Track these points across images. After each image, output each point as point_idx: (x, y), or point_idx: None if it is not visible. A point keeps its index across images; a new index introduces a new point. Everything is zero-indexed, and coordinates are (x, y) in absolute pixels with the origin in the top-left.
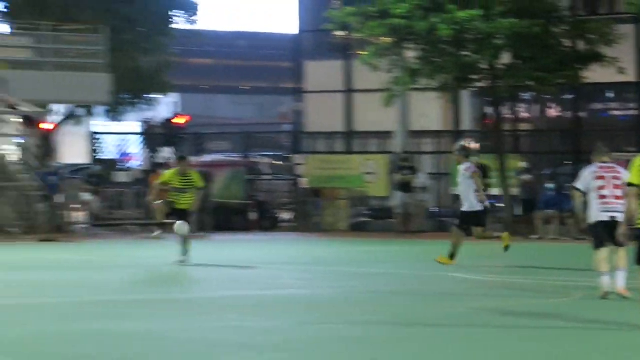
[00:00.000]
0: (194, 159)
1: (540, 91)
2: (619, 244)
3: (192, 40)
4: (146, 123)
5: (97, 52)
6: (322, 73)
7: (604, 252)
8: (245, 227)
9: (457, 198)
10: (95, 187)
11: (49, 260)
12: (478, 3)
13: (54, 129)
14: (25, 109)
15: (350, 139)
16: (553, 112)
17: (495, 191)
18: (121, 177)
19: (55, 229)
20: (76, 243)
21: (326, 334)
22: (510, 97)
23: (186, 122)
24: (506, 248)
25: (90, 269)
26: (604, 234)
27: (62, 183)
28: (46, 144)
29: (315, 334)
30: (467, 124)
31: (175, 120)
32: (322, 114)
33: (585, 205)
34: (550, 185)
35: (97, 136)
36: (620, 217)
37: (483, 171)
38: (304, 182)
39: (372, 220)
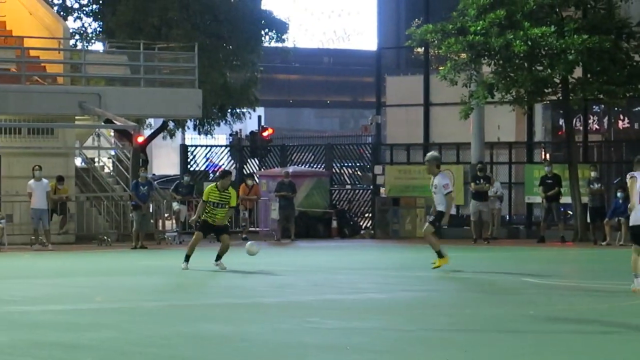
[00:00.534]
0: (279, 170)
1: (610, 104)
2: None
3: (279, 57)
4: (234, 136)
5: (188, 68)
6: (401, 87)
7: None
8: (328, 234)
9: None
10: (185, 197)
11: (141, 266)
12: (551, 20)
13: (146, 142)
14: (119, 122)
15: (428, 150)
16: (622, 123)
17: (566, 199)
18: None
19: (147, 237)
20: (166, 250)
21: (405, 336)
22: (582, 109)
23: (271, 134)
24: (435, 266)
25: (179, 274)
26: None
27: (154, 193)
28: (139, 156)
29: (395, 336)
30: (540, 135)
31: (261, 133)
32: (401, 127)
33: None
34: (619, 194)
35: (187, 148)
36: None
37: (555, 180)
38: (384, 192)
39: (448, 227)
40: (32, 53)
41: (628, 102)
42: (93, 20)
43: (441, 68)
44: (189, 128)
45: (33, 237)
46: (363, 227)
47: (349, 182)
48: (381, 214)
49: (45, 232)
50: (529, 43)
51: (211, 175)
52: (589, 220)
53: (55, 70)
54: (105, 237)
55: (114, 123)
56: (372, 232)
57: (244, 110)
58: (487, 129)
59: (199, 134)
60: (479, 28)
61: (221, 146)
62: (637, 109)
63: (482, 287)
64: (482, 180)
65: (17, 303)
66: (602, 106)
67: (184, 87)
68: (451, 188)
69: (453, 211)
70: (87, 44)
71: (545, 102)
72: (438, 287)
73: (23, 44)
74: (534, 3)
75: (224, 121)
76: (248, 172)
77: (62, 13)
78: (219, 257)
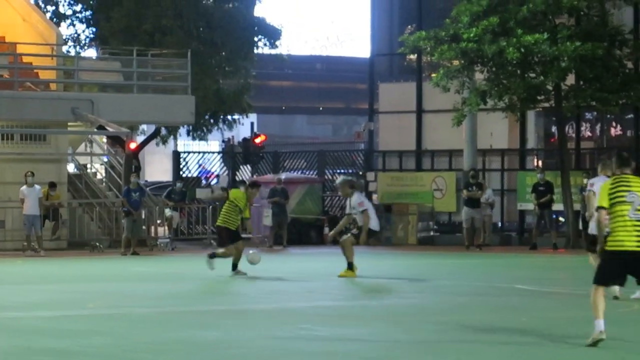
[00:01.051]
0: (272, 176)
1: (603, 111)
2: None
3: (272, 64)
4: (226, 142)
5: (181, 75)
6: (394, 94)
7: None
8: (320, 241)
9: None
10: (177, 204)
11: (133, 272)
12: (544, 27)
13: (139, 148)
14: (112, 129)
15: (420, 157)
16: (614, 131)
17: (559, 206)
18: (202, 194)
19: (139, 244)
20: (158, 256)
21: (397, 343)
22: (574, 116)
23: (263, 141)
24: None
25: (171, 280)
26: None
27: (146, 199)
28: (131, 163)
29: (386, 343)
30: (532, 142)
31: (253, 140)
32: (394, 133)
33: None
34: None
35: (180, 155)
36: None
37: (548, 187)
38: (376, 198)
39: (440, 234)
40: (25, 59)
41: (620, 110)
42: (86, 26)
43: (434, 75)
44: (180, 135)
45: (25, 243)
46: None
47: None
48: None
49: (38, 238)
50: (522, 50)
51: (203, 181)
52: (581, 227)
53: (48, 77)
54: (98, 244)
55: (106, 129)
56: None
57: (237, 116)
58: (479, 136)
59: (193, 139)
60: (472, 35)
61: (214, 153)
62: (629, 116)
63: (474, 294)
64: (474, 187)
65: (9, 309)
66: (595, 113)
67: (177, 94)
68: (366, 206)
69: (448, 217)
70: (80, 51)
71: (538, 109)
72: (430, 294)
73: (16, 50)
74: (527, 10)
75: (216, 128)
76: (240, 178)
77: (55, 19)
78: (235, 266)
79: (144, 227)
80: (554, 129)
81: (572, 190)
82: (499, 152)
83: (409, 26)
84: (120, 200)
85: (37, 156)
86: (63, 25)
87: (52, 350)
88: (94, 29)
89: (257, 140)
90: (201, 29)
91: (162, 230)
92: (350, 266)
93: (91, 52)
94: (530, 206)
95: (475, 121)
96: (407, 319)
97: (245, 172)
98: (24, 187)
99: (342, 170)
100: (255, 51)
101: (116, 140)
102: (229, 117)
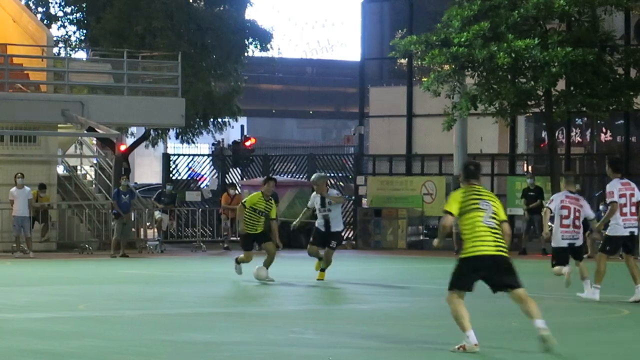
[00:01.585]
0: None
1: (593, 116)
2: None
3: (263, 67)
4: (216, 145)
5: (171, 77)
6: (384, 98)
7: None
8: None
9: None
10: (167, 206)
11: (122, 274)
12: (535, 32)
13: (128, 151)
14: (102, 131)
15: (411, 161)
16: (604, 136)
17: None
18: (191, 196)
19: (128, 246)
20: (148, 259)
21: (388, 347)
22: (565, 122)
23: (253, 144)
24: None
25: (161, 283)
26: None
27: (135, 202)
28: (121, 165)
29: (377, 347)
30: (522, 147)
31: (243, 143)
32: (384, 137)
33: None
34: (602, 207)
35: (170, 157)
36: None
37: (537, 193)
38: (366, 202)
39: (429, 238)
40: (16, 60)
41: (611, 115)
42: (77, 28)
43: (424, 79)
44: (170, 138)
45: (14, 245)
46: (345, 237)
47: None
48: (363, 224)
49: (27, 239)
50: (513, 55)
51: (192, 184)
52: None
53: (39, 78)
54: (87, 246)
55: (96, 131)
56: (354, 242)
57: (227, 119)
58: (469, 140)
59: (182, 142)
60: (462, 40)
61: (204, 155)
62: (619, 122)
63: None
64: None
65: None
66: (585, 119)
67: (167, 96)
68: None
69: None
70: (70, 52)
71: (528, 114)
72: (420, 298)
73: (6, 51)
74: (518, 15)
75: (206, 130)
76: (230, 181)
77: (46, 21)
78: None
79: (133, 230)
80: (544, 134)
81: None
82: (489, 157)
83: (400, 30)
84: (110, 203)
85: (27, 158)
86: (54, 26)
87: (42, 352)
88: (84, 31)
89: (247, 144)
90: (192, 31)
91: (152, 233)
92: (323, 271)
93: (82, 54)
94: (519, 211)
95: (466, 126)
96: (396, 323)
97: (235, 175)
98: (14, 188)
99: (332, 174)
100: (246, 54)
101: (106, 142)
102: (219, 119)
